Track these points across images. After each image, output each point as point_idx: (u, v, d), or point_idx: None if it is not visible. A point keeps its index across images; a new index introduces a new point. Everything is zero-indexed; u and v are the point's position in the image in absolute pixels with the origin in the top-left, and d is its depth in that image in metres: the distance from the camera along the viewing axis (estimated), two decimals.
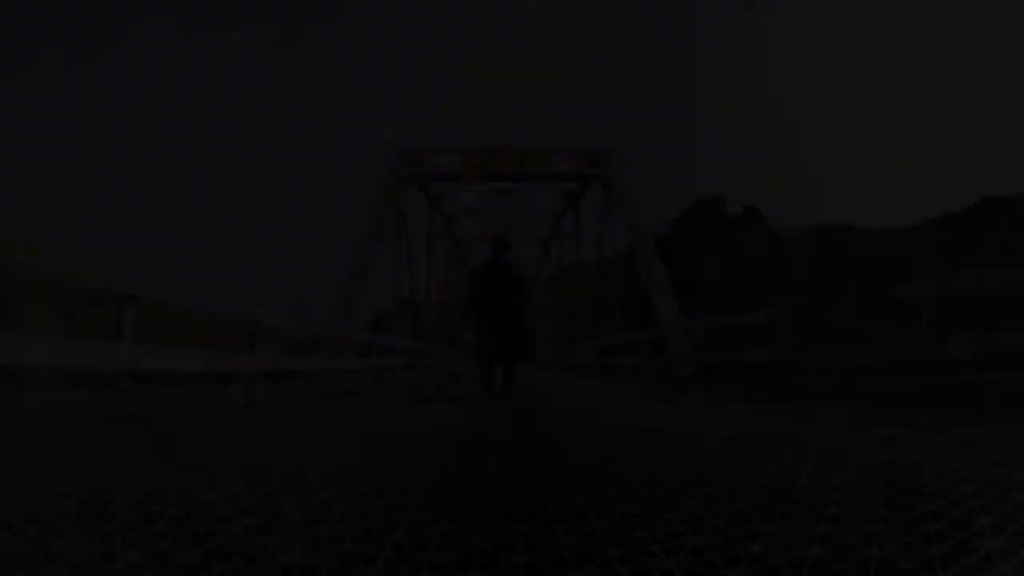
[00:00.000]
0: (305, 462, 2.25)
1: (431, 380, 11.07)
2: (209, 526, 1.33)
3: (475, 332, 6.12)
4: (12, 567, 1.01)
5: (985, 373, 3.89)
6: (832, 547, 1.19)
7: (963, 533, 1.22)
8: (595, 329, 24.30)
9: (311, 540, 1.24)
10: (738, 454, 2.33)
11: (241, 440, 2.88)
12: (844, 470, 1.94)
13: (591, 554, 1.20)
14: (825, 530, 1.28)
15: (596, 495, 1.70)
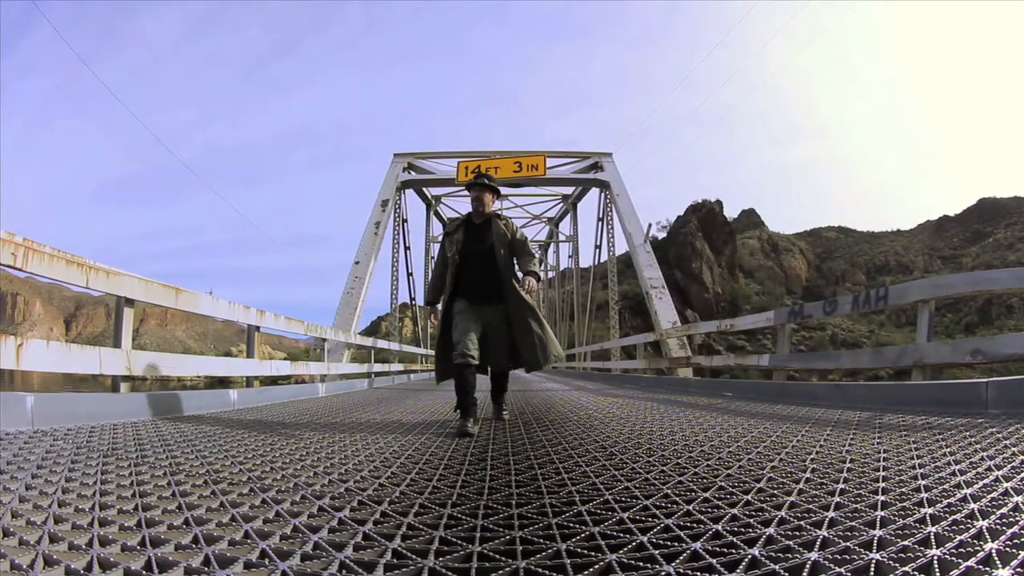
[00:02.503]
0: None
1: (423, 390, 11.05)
2: None
3: (444, 325, 3.87)
4: None
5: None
6: (832, 551, 1.19)
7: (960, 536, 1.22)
8: (593, 333, 24.30)
9: None
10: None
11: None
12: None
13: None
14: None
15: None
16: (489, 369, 4.06)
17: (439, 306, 3.96)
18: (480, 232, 3.85)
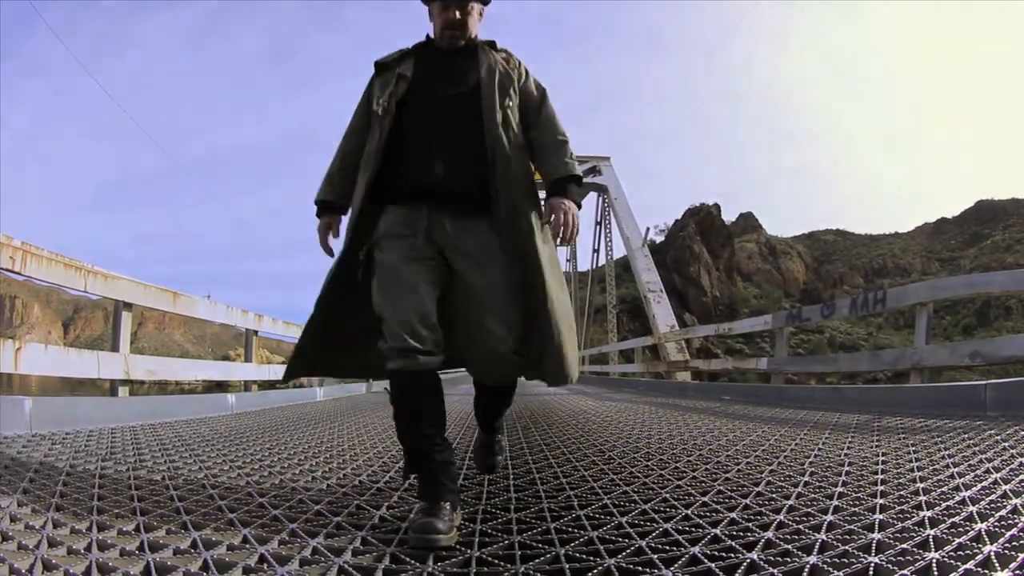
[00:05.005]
0: None
1: None
2: None
3: (344, 261, 1.69)
4: None
5: None
6: (831, 554, 1.19)
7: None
8: (591, 337, 24.33)
9: None
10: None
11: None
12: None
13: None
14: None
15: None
16: (473, 375, 1.82)
17: (346, 218, 1.77)
18: (453, 66, 1.74)
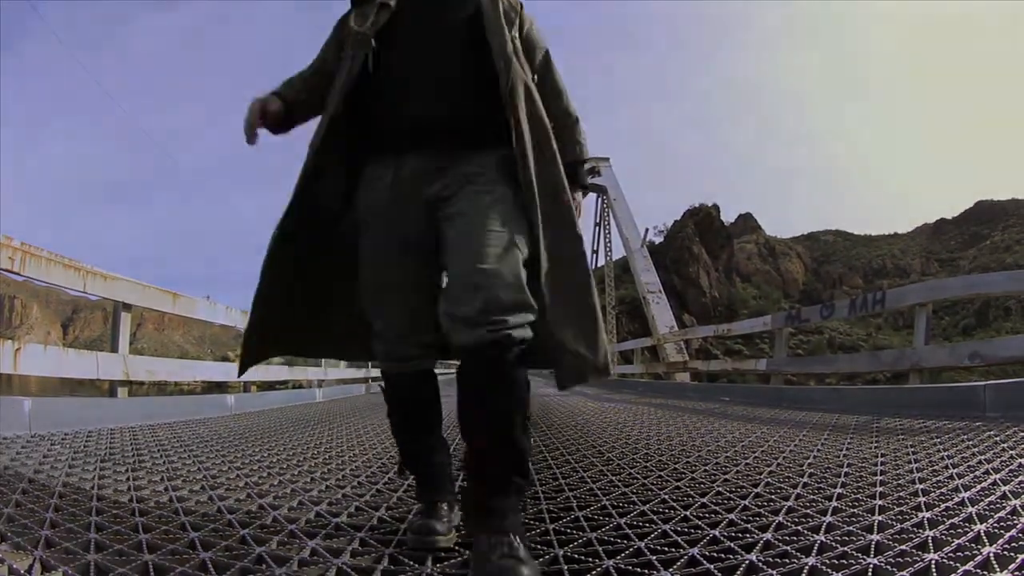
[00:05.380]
0: None
1: None
2: None
3: (295, 211, 1.37)
4: None
5: None
6: (829, 555, 1.19)
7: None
8: None
9: None
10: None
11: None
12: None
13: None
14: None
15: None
16: (460, 354, 1.25)
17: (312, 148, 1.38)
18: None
